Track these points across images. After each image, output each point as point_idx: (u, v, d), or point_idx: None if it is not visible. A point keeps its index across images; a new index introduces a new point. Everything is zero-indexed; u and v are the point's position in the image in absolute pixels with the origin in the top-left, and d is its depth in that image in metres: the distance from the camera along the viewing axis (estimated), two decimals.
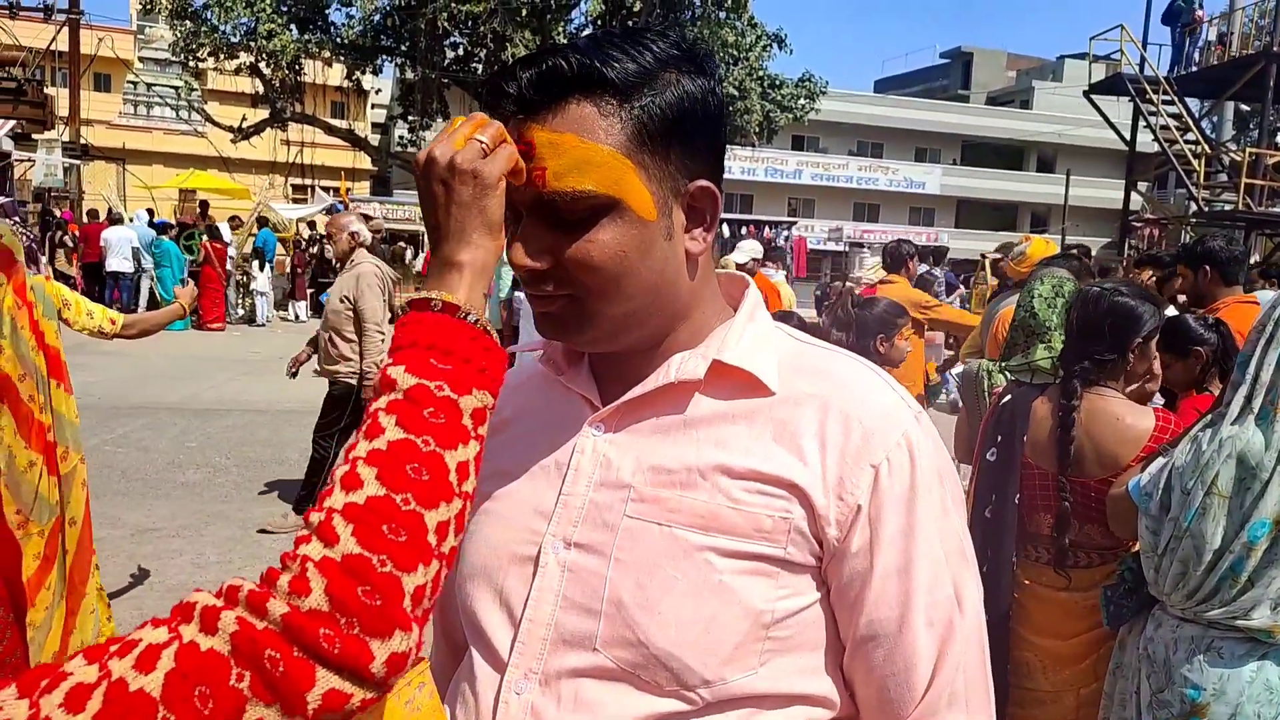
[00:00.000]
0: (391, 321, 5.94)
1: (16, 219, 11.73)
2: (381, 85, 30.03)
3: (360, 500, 0.65)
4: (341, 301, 5.23)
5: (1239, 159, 16.80)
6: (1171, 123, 17.00)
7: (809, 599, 0.85)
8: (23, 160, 17.01)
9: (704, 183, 0.86)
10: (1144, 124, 17.66)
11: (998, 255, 7.24)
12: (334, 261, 7.19)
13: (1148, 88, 16.92)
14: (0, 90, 16.46)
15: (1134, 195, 20.00)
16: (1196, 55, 18.04)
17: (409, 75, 20.60)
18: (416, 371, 0.70)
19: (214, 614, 0.61)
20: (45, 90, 18.34)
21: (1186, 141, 16.98)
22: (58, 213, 15.90)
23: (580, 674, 0.84)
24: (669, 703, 0.82)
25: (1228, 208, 16.81)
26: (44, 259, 10.94)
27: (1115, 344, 2.24)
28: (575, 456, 0.90)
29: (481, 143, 0.78)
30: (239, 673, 0.58)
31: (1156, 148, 17.79)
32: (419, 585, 0.65)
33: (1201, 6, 17.59)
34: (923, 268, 9.41)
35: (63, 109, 19.38)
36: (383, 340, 5.21)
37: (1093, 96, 18.33)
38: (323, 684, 0.60)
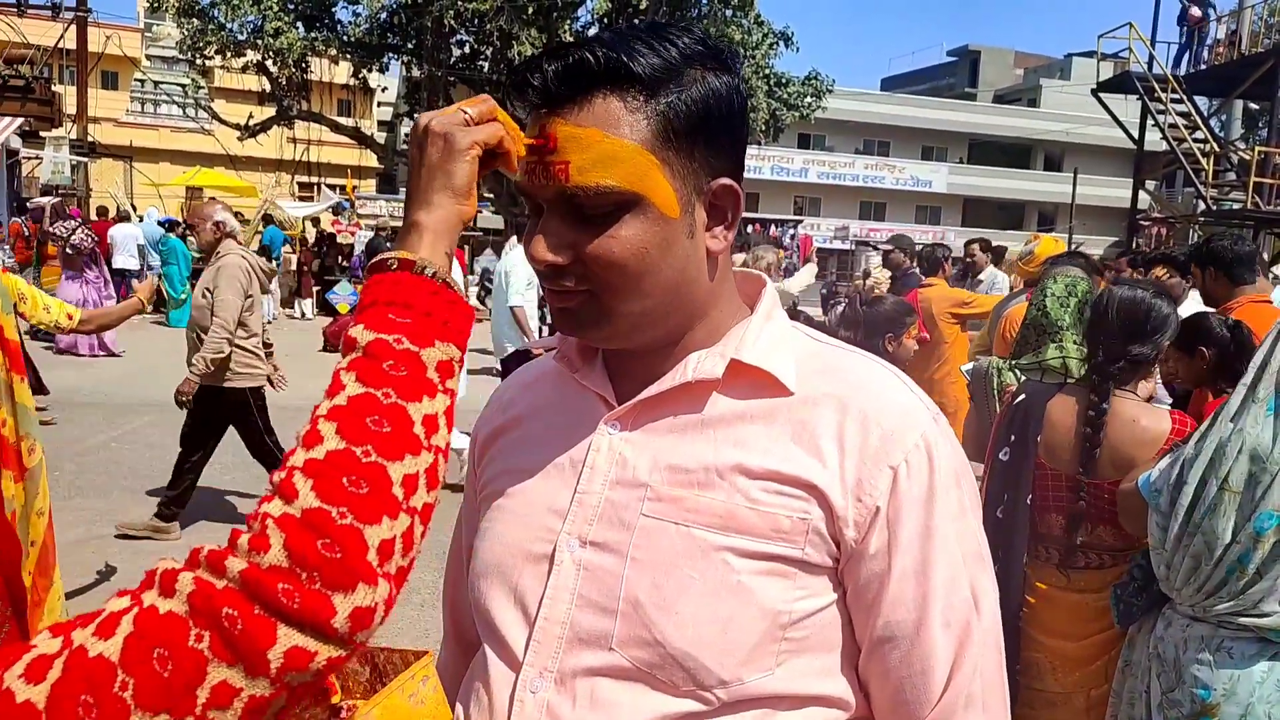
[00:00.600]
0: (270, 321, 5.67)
1: (76, 219, 11.74)
2: (388, 83, 30.07)
3: (320, 455, 0.63)
4: (204, 296, 4.96)
5: (1248, 157, 16.71)
6: (1180, 121, 16.91)
7: (826, 600, 0.84)
8: (31, 158, 17.07)
9: (726, 181, 0.85)
10: (1152, 122, 17.58)
11: (887, 247, 7.26)
12: (199, 252, 6.75)
13: (1156, 86, 16.83)
14: (8, 88, 16.52)
15: (1142, 194, 19.92)
16: (1205, 54, 17.95)
17: (415, 73, 20.63)
18: (376, 327, 0.69)
19: (172, 576, 0.60)
20: (53, 88, 18.41)
21: (1195, 140, 16.89)
22: (66, 210, 15.96)
23: (596, 673, 0.83)
24: (685, 703, 0.82)
25: (1236, 206, 16.73)
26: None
27: (1154, 345, 2.27)
28: (591, 454, 0.89)
29: (466, 114, 0.77)
30: (198, 633, 0.57)
31: (1165, 146, 17.70)
32: (385, 538, 0.62)
33: (1200, 5, 17.46)
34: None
35: (70, 106, 19.44)
36: (234, 338, 4.89)
37: (1101, 95, 18.24)
38: (284, 641, 0.58)
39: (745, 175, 0.90)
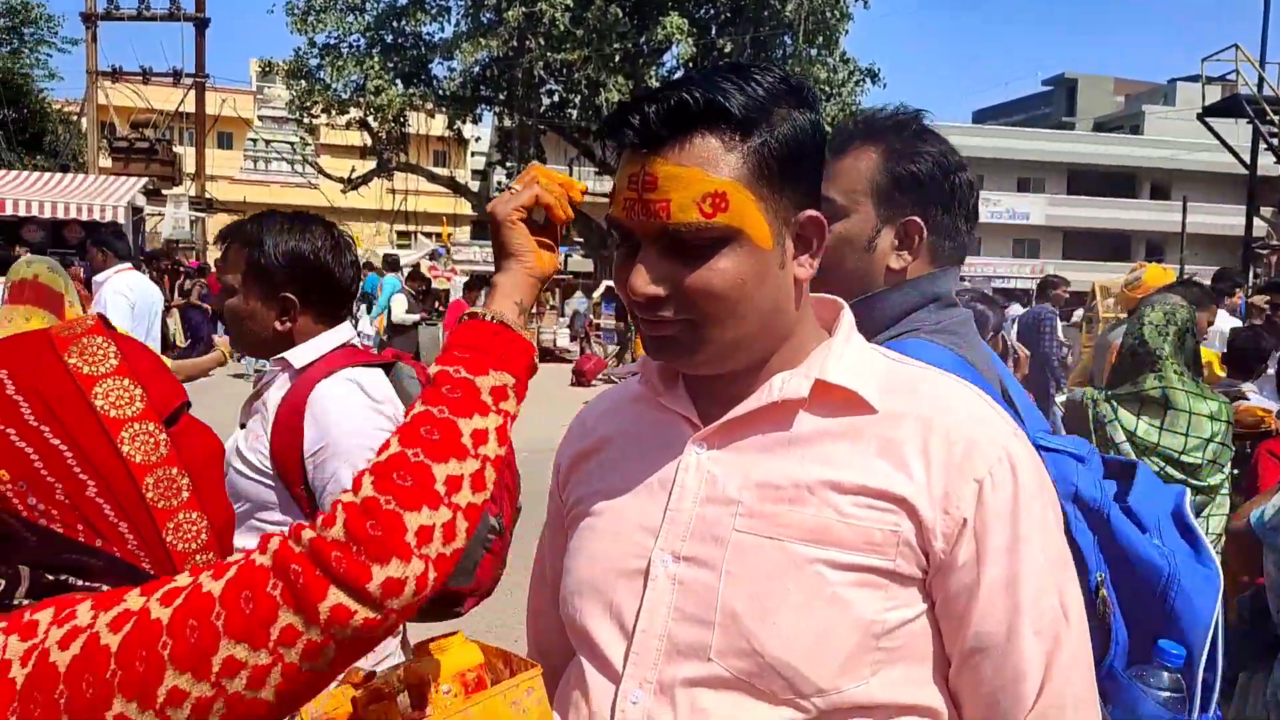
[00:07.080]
0: None
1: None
2: (481, 133, 31.02)
3: (383, 458, 0.79)
4: None
5: None
6: None
7: (917, 610, 0.86)
8: (154, 214, 18.23)
9: (812, 212, 0.90)
10: (1265, 146, 16.78)
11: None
12: None
13: (1267, 108, 16.10)
14: (135, 150, 17.75)
15: (1257, 220, 18.96)
16: None
17: (507, 123, 21.23)
18: (442, 362, 0.86)
19: (268, 539, 0.76)
20: (174, 149, 19.70)
21: None
22: (185, 262, 16.95)
23: (695, 683, 0.87)
24: (783, 711, 0.85)
25: None
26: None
27: None
28: (680, 473, 0.93)
29: (511, 189, 0.89)
30: (274, 582, 0.72)
31: None
32: (424, 525, 0.75)
33: None
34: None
35: (189, 166, 20.73)
36: None
37: (1208, 119, 17.54)
38: (331, 598, 0.71)
39: None
